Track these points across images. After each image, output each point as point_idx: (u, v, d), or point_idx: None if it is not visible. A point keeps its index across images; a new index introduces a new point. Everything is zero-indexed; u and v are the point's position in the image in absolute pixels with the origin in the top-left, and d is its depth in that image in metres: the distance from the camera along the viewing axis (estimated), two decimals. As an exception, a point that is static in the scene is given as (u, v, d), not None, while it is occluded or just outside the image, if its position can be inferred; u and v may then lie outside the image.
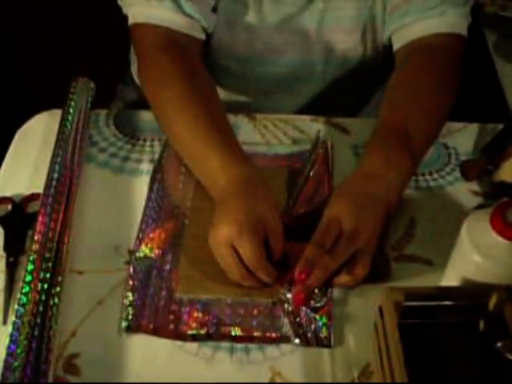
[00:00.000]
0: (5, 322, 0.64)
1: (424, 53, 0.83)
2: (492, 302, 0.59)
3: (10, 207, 0.74)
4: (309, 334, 0.64)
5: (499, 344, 0.57)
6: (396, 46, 0.86)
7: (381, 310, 0.60)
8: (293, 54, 0.91)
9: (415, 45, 0.83)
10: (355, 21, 0.88)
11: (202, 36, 0.84)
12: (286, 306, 0.66)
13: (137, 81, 1.03)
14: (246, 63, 0.92)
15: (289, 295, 0.67)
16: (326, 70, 0.94)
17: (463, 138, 0.86)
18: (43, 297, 0.63)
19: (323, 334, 0.64)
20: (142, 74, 0.82)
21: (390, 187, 0.70)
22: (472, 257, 0.60)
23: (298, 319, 0.65)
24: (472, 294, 0.61)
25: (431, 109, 0.78)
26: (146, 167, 0.80)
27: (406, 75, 0.82)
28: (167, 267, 0.69)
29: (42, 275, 0.64)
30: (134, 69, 1.04)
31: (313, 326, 0.64)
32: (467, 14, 0.85)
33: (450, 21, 0.83)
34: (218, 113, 0.76)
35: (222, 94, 0.95)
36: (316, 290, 0.66)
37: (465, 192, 0.79)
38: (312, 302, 0.66)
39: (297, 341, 0.63)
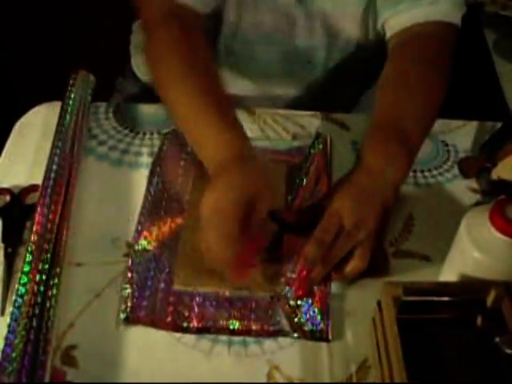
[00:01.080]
0: (2, 313, 0.64)
1: (416, 41, 0.82)
2: (490, 297, 0.59)
3: (8, 198, 0.74)
4: (306, 328, 0.64)
5: (497, 339, 0.57)
6: (388, 33, 0.86)
7: (379, 304, 0.60)
8: (297, 38, 0.91)
9: (407, 33, 0.83)
10: (356, 6, 0.88)
11: (206, 10, 0.83)
12: (283, 299, 0.66)
13: (137, 74, 1.03)
14: (251, 44, 0.92)
15: (287, 289, 0.67)
16: (328, 55, 0.94)
17: (462, 135, 0.86)
18: (41, 288, 0.63)
19: (320, 328, 0.64)
20: (146, 47, 0.81)
21: (388, 183, 0.70)
22: (471, 253, 0.60)
23: (295, 313, 0.65)
24: (470, 289, 0.61)
25: (425, 100, 0.78)
26: (146, 160, 0.80)
27: (398, 65, 0.82)
28: (165, 260, 0.69)
29: (40, 266, 0.64)
30: (134, 61, 1.04)
31: (310, 320, 0.65)
32: (461, 2, 0.84)
33: (443, 9, 0.82)
34: (217, 87, 0.75)
35: (223, 75, 0.95)
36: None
37: (463, 189, 0.79)
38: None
39: (295, 334, 0.63)
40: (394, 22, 0.85)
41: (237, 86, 0.97)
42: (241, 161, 0.67)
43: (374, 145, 0.73)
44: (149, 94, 1.01)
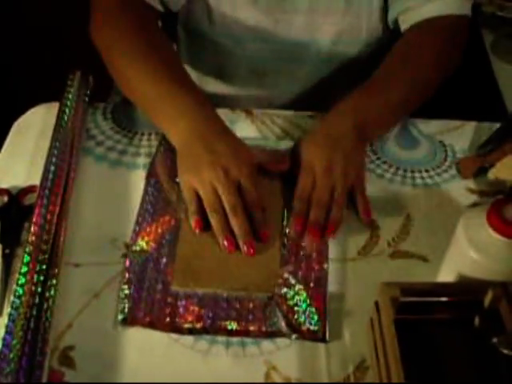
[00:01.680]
0: (0, 314, 0.64)
1: (425, 30, 0.85)
2: (488, 298, 0.59)
3: (6, 199, 0.74)
4: (303, 328, 0.64)
5: (495, 340, 0.57)
6: (402, 28, 0.88)
7: (377, 305, 0.60)
8: (285, 34, 0.91)
9: (419, 25, 0.86)
10: (347, 3, 0.88)
11: (160, 8, 0.85)
12: (281, 300, 0.66)
13: None
14: (241, 41, 0.92)
15: (285, 289, 0.67)
16: (318, 51, 0.94)
17: (460, 135, 0.86)
18: (39, 289, 0.63)
19: (318, 328, 0.64)
20: (98, 31, 0.82)
21: (357, 119, 0.76)
22: (468, 253, 0.60)
23: (293, 313, 0.65)
24: (468, 290, 0.61)
25: (416, 80, 0.82)
26: (143, 161, 0.80)
27: (404, 45, 0.85)
28: (163, 261, 0.69)
29: (38, 267, 0.64)
30: None
31: (307, 321, 0.65)
32: None
33: (454, 3, 0.85)
34: (174, 62, 0.78)
35: (216, 77, 0.97)
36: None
37: (461, 190, 0.79)
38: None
39: (292, 335, 0.63)
40: (407, 17, 0.87)
41: (229, 85, 0.98)
42: (204, 124, 0.73)
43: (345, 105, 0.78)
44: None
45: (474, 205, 0.76)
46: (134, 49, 0.77)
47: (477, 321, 0.61)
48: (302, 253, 0.70)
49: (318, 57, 0.95)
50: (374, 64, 0.84)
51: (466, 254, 0.60)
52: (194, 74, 0.95)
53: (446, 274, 0.65)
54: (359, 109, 0.77)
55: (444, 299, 0.60)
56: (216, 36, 0.92)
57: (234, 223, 0.69)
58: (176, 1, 0.87)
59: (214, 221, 0.69)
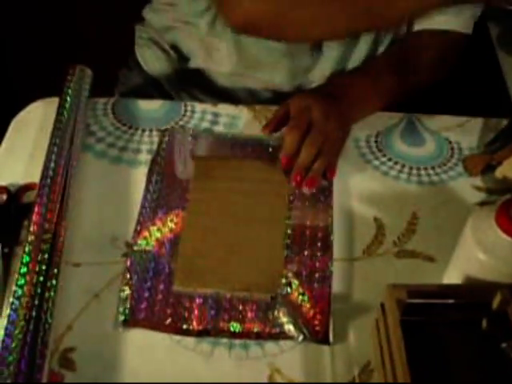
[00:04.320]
0: (-1, 315, 0.63)
1: (434, 38, 0.87)
2: (496, 300, 0.58)
3: (5, 197, 0.73)
4: (307, 330, 0.63)
5: (504, 345, 0.56)
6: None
7: (383, 307, 0.59)
8: None
9: (426, 34, 0.88)
10: None
11: None
12: (285, 301, 0.65)
13: (142, 65, 1.02)
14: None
15: (288, 290, 0.66)
16: (315, 43, 0.92)
17: (466, 132, 0.85)
18: (39, 290, 0.62)
19: (321, 330, 0.63)
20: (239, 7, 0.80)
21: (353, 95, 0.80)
22: (476, 254, 0.59)
23: (296, 314, 0.64)
24: (475, 292, 0.60)
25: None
26: (145, 158, 0.79)
27: (410, 46, 0.88)
28: (165, 260, 0.68)
29: (37, 268, 0.63)
30: (139, 53, 1.02)
31: (311, 322, 0.63)
32: (478, 14, 0.88)
33: (464, 22, 0.87)
34: None
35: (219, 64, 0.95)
36: None
37: (468, 187, 0.78)
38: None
39: (299, 337, 0.62)
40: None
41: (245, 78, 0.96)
42: None
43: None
44: (154, 86, 1.01)
45: (482, 203, 0.75)
46: None
47: (484, 323, 0.60)
48: (305, 253, 0.69)
49: (314, 49, 0.92)
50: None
51: (474, 255, 0.59)
52: None
53: (453, 275, 0.64)
54: (355, 85, 0.82)
55: (451, 301, 0.59)
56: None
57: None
58: None
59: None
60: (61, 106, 0.80)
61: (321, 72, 0.92)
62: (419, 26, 0.88)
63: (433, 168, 0.80)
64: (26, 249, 0.64)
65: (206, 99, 0.97)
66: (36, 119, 0.83)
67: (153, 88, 1.01)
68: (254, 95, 0.97)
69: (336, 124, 0.75)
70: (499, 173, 0.76)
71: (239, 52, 0.92)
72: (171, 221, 0.72)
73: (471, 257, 0.60)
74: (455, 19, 0.86)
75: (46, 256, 0.64)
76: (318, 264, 0.69)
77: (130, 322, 0.63)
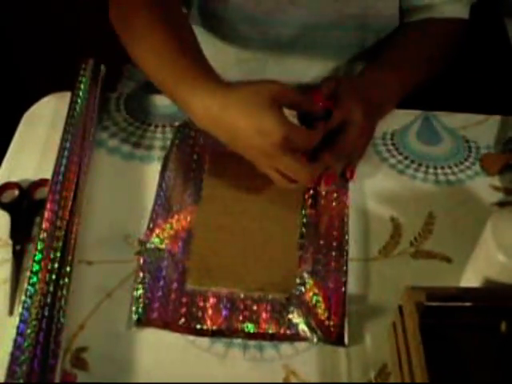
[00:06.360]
0: (11, 313, 0.62)
1: (441, 26, 0.88)
2: (516, 303, 0.57)
3: (17, 193, 0.72)
4: (322, 332, 0.62)
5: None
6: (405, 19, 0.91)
7: (400, 309, 0.58)
8: (303, 16, 0.88)
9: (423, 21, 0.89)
10: None
11: None
12: (299, 301, 0.64)
13: None
14: (255, 23, 0.88)
15: (303, 290, 0.65)
16: (340, 34, 0.91)
17: (484, 130, 0.83)
18: (51, 288, 0.61)
19: (337, 331, 0.62)
20: (113, 10, 0.80)
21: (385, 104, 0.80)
22: (496, 256, 0.57)
23: (312, 315, 0.63)
24: (495, 295, 0.59)
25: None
26: (158, 154, 0.78)
27: (422, 33, 0.88)
28: (178, 258, 0.67)
29: (50, 265, 0.62)
30: None
31: (327, 323, 0.63)
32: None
33: (462, 8, 0.88)
34: (188, 38, 0.74)
35: (233, 59, 0.94)
36: None
37: (485, 187, 0.76)
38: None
39: (314, 339, 0.61)
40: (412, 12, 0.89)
41: (245, 68, 0.95)
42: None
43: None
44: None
45: (500, 203, 0.74)
46: (146, 24, 0.74)
47: (503, 327, 0.59)
48: (320, 252, 0.68)
49: (339, 40, 0.91)
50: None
51: (494, 257, 0.58)
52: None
53: (472, 277, 0.63)
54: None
55: (470, 304, 0.58)
56: (232, 19, 0.89)
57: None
58: None
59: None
60: (73, 101, 0.79)
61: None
62: (421, 15, 0.89)
63: (450, 167, 0.78)
64: (39, 246, 0.64)
65: None
66: (47, 114, 0.82)
67: None
68: None
69: (367, 139, 0.75)
70: (518, 172, 0.75)
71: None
72: (184, 218, 0.71)
73: (491, 259, 0.58)
74: (454, 6, 0.88)
75: (58, 254, 0.64)
76: (333, 264, 0.68)
77: (143, 321, 0.62)
